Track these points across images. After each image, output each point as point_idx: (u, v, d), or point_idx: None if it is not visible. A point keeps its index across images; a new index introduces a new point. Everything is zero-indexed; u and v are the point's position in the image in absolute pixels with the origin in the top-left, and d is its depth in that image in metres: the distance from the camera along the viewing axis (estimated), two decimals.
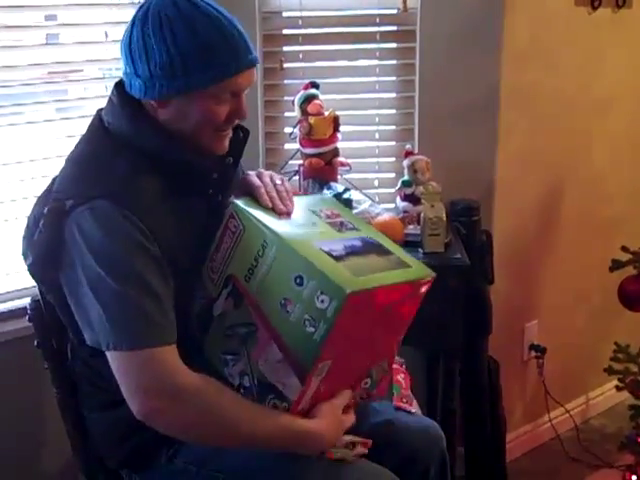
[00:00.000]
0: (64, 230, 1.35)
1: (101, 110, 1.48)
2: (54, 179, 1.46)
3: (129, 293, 1.31)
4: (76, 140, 1.49)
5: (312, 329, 1.26)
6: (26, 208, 1.91)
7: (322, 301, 1.25)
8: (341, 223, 1.45)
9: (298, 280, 1.27)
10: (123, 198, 1.34)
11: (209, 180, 1.47)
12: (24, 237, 1.45)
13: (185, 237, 1.42)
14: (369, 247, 1.39)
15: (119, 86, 1.46)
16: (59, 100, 2.13)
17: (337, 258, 1.30)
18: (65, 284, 1.39)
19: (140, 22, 1.37)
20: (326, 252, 1.31)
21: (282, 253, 1.31)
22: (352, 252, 1.34)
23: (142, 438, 1.47)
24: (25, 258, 1.45)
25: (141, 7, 1.40)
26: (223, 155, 1.50)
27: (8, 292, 2.00)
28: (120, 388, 1.37)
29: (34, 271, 1.45)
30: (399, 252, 1.43)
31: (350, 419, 1.43)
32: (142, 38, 1.37)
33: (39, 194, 1.49)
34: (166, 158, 1.41)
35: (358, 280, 1.26)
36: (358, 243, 1.39)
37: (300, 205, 1.49)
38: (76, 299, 1.37)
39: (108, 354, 1.33)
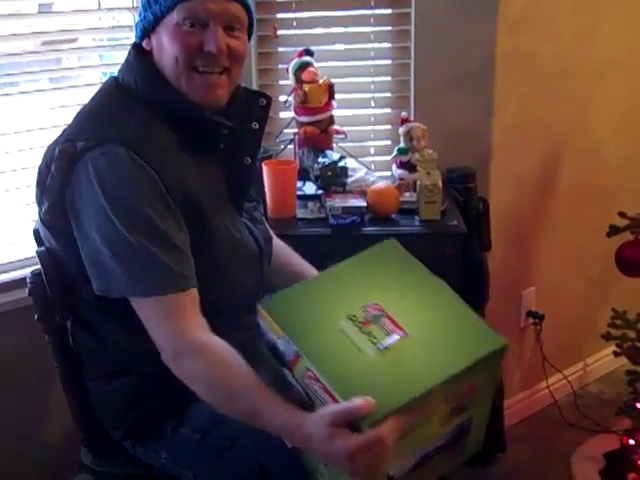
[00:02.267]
0: (76, 173, 1.35)
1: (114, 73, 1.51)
2: (64, 130, 1.45)
3: (142, 241, 1.31)
4: (72, 110, 1.49)
5: None
6: (26, 178, 1.93)
7: None
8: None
9: None
10: (137, 144, 1.35)
11: (222, 137, 1.48)
12: (37, 184, 1.45)
13: (202, 190, 1.42)
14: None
15: (136, 46, 1.49)
16: (52, 70, 2.12)
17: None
18: (77, 229, 1.38)
19: None
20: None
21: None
22: None
23: (146, 409, 1.48)
24: (39, 205, 1.45)
25: None
26: (236, 115, 1.51)
27: (10, 262, 2.00)
28: (122, 357, 1.41)
29: (48, 218, 1.44)
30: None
31: (347, 445, 1.14)
32: None
33: (48, 144, 1.47)
34: (177, 111, 1.43)
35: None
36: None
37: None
38: (88, 246, 1.36)
39: (132, 301, 1.34)
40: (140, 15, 1.46)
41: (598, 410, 2.69)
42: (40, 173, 1.44)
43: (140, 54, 1.47)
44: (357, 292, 1.27)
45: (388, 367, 1.19)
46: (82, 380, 1.57)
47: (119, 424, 1.53)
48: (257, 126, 1.55)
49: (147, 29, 1.45)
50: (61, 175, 1.37)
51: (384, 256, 1.35)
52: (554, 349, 2.69)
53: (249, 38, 1.51)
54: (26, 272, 1.58)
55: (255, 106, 1.56)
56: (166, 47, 1.42)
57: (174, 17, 1.40)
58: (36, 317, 1.56)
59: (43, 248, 1.50)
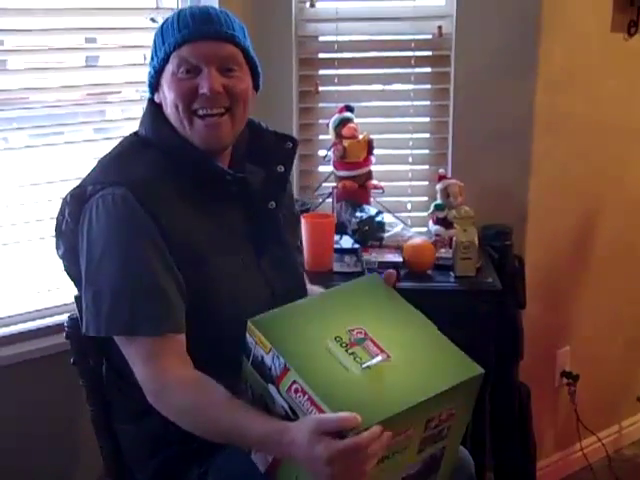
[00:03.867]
0: (82, 215, 1.41)
1: None
2: (85, 177, 1.51)
3: (126, 279, 1.36)
4: None
5: None
6: None
7: None
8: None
9: None
10: (139, 187, 1.39)
11: (233, 183, 1.50)
12: (55, 230, 1.50)
13: (207, 237, 1.44)
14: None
15: (150, 99, 1.55)
16: (96, 121, 2.18)
17: None
18: (82, 272, 1.42)
19: None
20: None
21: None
22: None
23: (170, 453, 1.49)
24: (58, 250, 1.51)
25: None
26: (256, 159, 1.55)
27: (47, 308, 2.03)
28: (146, 398, 1.41)
29: (65, 263, 1.50)
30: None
31: (324, 452, 1.16)
32: None
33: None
34: (182, 157, 1.46)
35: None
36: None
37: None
38: (82, 285, 1.41)
39: (117, 341, 1.38)
40: (148, 72, 1.53)
41: (633, 475, 2.65)
42: (57, 220, 1.49)
43: (151, 106, 1.53)
44: (343, 316, 1.34)
45: (372, 384, 1.23)
46: (112, 423, 1.59)
47: (145, 466, 1.54)
48: (282, 169, 1.57)
49: (152, 83, 1.51)
50: (73, 220, 1.43)
51: (369, 287, 1.43)
52: (589, 411, 2.65)
53: (256, 77, 1.54)
54: (63, 318, 1.63)
55: (282, 149, 1.59)
56: (167, 96, 1.46)
57: (170, 67, 1.45)
58: (72, 361, 1.60)
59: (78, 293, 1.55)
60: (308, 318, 1.33)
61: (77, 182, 1.48)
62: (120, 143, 1.55)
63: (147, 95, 1.55)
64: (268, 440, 1.26)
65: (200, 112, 1.45)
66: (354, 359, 1.26)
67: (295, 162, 2.27)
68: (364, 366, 1.25)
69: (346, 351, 1.27)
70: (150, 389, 1.37)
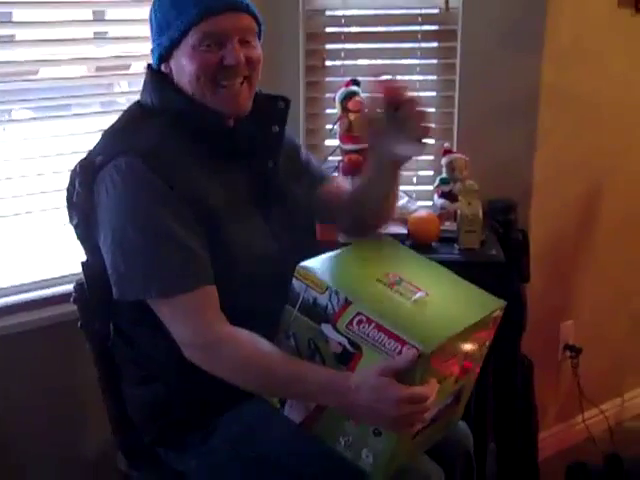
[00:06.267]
0: (96, 186, 1.44)
1: None
2: (92, 148, 1.54)
3: (154, 244, 1.39)
4: None
5: None
6: None
7: None
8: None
9: None
10: (147, 154, 1.42)
11: (240, 144, 1.53)
12: (67, 201, 1.53)
13: (218, 197, 1.47)
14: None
15: (149, 66, 1.57)
16: (104, 94, 2.20)
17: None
18: (100, 239, 1.46)
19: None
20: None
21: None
22: None
23: (174, 416, 1.54)
24: (71, 220, 1.54)
25: None
26: (253, 121, 1.56)
27: (54, 278, 2.07)
28: (152, 365, 1.48)
29: (79, 233, 1.54)
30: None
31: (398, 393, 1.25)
32: (150, 13, 1.52)
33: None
34: (190, 122, 1.49)
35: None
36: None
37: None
38: (108, 253, 1.44)
39: (151, 304, 1.41)
40: (154, 42, 1.53)
41: (634, 447, 2.67)
42: (68, 191, 1.53)
43: (154, 74, 1.55)
44: (376, 264, 1.46)
45: (424, 313, 1.34)
46: (119, 385, 1.63)
47: (150, 428, 1.58)
48: (277, 129, 1.60)
49: (163, 55, 1.51)
50: (84, 190, 1.47)
51: (387, 244, 1.59)
52: (592, 383, 2.68)
53: (259, 38, 1.57)
54: (68, 288, 1.68)
55: (275, 109, 1.61)
56: (186, 68, 1.48)
57: (189, 41, 1.46)
58: (79, 325, 1.65)
59: (86, 259, 1.59)
60: (349, 264, 1.46)
61: (84, 155, 1.52)
62: (124, 113, 1.57)
63: (152, 64, 1.57)
64: (331, 386, 1.31)
65: (223, 82, 1.49)
66: (400, 295, 1.36)
67: (302, 136, 2.33)
68: (413, 299, 1.35)
69: (391, 289, 1.37)
70: (198, 344, 1.39)
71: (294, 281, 1.37)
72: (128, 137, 1.48)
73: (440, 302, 1.39)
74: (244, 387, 1.40)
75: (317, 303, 1.34)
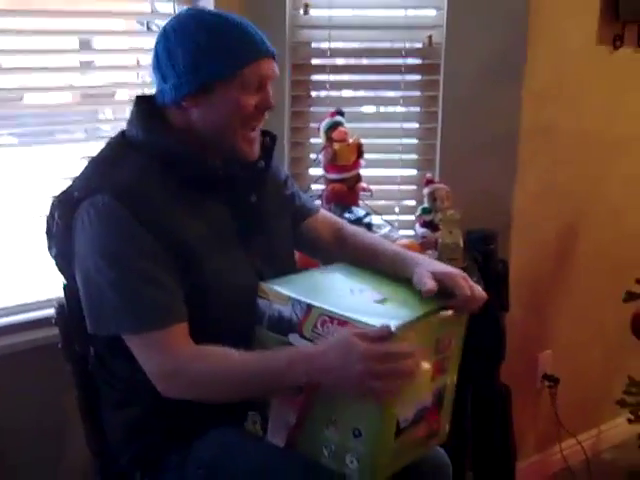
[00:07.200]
0: (74, 220, 1.45)
1: None
2: (73, 180, 1.56)
3: (126, 281, 1.40)
4: None
5: None
6: None
7: None
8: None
9: None
10: (124, 194, 1.43)
11: (221, 181, 1.54)
12: (46, 232, 1.55)
13: (197, 234, 1.48)
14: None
15: (138, 99, 1.58)
16: (88, 122, 2.21)
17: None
18: (76, 272, 1.48)
19: (161, 39, 1.51)
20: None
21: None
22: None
23: (148, 441, 1.54)
24: (50, 251, 1.56)
25: (161, 30, 1.53)
26: (237, 158, 1.56)
27: (39, 301, 2.06)
28: (127, 390, 1.51)
29: (58, 263, 1.56)
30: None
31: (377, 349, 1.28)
32: (165, 48, 1.49)
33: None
34: (175, 159, 1.50)
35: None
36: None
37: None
38: (82, 287, 1.46)
39: (124, 337, 1.43)
40: (171, 79, 1.48)
41: (611, 477, 2.70)
42: (47, 222, 1.55)
43: (144, 108, 1.54)
44: (333, 278, 1.56)
45: (388, 307, 1.41)
46: (98, 409, 1.64)
47: (125, 450, 1.58)
48: (263, 164, 1.62)
49: (189, 93, 1.47)
50: (62, 223, 1.49)
51: (344, 266, 1.63)
52: (569, 413, 2.71)
53: None
54: (49, 312, 1.70)
55: (261, 145, 1.61)
56: (222, 107, 1.48)
57: (231, 83, 1.46)
58: (59, 345, 1.67)
59: (67, 283, 1.61)
60: (308, 280, 1.53)
61: (66, 182, 1.53)
62: (107, 145, 1.57)
63: (141, 96, 1.58)
64: (298, 354, 1.35)
65: (254, 124, 1.53)
66: (361, 298, 1.44)
67: (286, 165, 2.36)
68: (374, 300, 1.42)
69: (351, 294, 1.45)
70: (163, 374, 1.41)
71: (258, 300, 1.45)
72: (108, 172, 1.48)
73: (401, 300, 1.45)
74: (225, 398, 1.42)
75: (282, 315, 1.41)
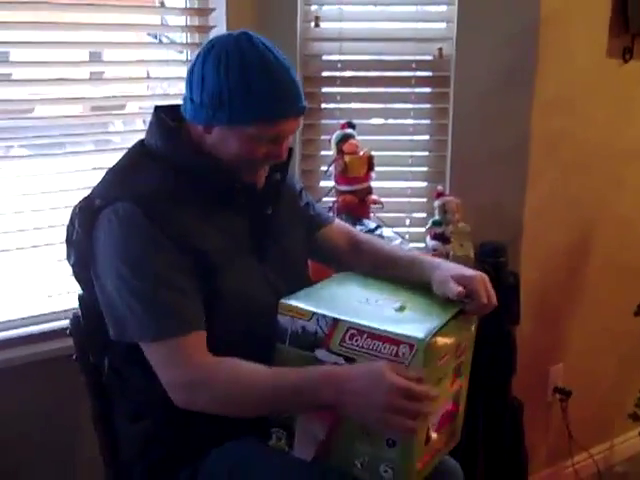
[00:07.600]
0: (95, 229, 1.46)
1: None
2: (93, 188, 1.56)
3: (148, 289, 1.40)
4: None
5: None
6: None
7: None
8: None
9: None
10: (145, 201, 1.44)
11: (238, 193, 1.55)
12: (66, 240, 1.56)
13: (214, 245, 1.48)
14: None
15: (157, 109, 1.59)
16: (99, 133, 2.21)
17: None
18: (95, 280, 1.48)
19: (203, 54, 1.49)
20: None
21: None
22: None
23: (159, 454, 1.54)
24: (68, 259, 1.56)
25: (209, 42, 1.51)
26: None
27: (54, 312, 2.07)
28: (141, 401, 1.50)
29: (76, 271, 1.56)
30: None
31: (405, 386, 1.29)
32: (202, 68, 1.47)
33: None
34: (194, 171, 1.51)
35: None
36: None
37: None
38: (103, 295, 1.46)
39: (143, 347, 1.42)
40: (201, 104, 1.47)
41: None
42: (67, 230, 1.55)
43: (163, 122, 1.55)
44: (351, 289, 1.56)
45: (409, 315, 1.42)
46: (112, 420, 1.64)
47: (138, 461, 1.58)
48: (279, 177, 1.63)
49: (213, 123, 1.48)
50: (83, 231, 1.49)
51: (355, 275, 1.66)
52: (581, 427, 2.69)
53: None
54: (64, 323, 1.71)
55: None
56: (233, 147, 1.48)
57: (248, 130, 1.46)
58: (74, 357, 1.66)
59: (82, 293, 1.61)
60: (325, 292, 1.52)
61: (79, 192, 1.54)
62: (127, 153, 1.60)
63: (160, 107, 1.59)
64: (332, 377, 1.34)
65: (259, 167, 1.55)
66: (382, 307, 1.45)
67: (297, 177, 2.37)
68: (394, 308, 1.43)
69: (371, 304, 1.46)
70: (185, 384, 1.40)
71: (279, 317, 1.43)
72: (128, 181, 1.50)
73: (418, 306, 1.47)
74: (251, 413, 1.42)
75: (306, 331, 1.40)
